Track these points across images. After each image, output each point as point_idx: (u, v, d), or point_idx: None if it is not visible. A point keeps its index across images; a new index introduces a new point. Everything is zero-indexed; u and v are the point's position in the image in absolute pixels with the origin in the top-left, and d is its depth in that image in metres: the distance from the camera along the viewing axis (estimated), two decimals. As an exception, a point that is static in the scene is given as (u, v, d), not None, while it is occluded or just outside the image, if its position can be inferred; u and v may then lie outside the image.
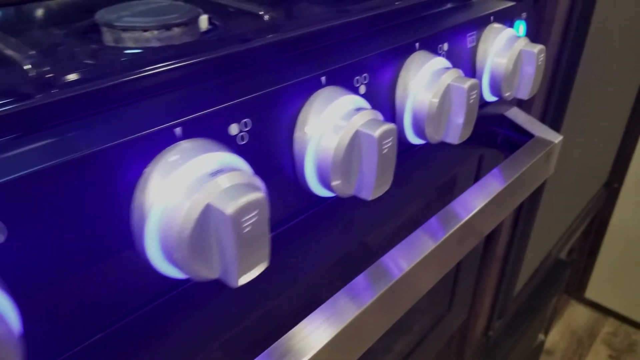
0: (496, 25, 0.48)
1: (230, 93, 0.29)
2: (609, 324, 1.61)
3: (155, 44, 0.40)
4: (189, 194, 0.24)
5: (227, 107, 0.27)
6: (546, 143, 0.52)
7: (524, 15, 0.53)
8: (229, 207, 0.23)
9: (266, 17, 0.34)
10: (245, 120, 0.29)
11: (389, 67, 0.38)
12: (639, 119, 1.29)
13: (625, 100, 1.21)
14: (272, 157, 0.31)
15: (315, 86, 0.33)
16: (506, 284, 0.90)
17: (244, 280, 0.26)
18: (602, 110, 1.04)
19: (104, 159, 0.23)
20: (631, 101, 1.25)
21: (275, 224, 0.35)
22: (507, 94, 0.48)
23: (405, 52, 0.39)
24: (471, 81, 0.38)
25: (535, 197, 0.82)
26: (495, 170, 0.52)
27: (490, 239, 0.79)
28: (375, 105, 0.37)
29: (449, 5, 0.49)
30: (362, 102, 0.34)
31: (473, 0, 0.52)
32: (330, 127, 0.31)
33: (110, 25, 0.39)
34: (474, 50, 0.47)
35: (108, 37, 0.39)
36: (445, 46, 0.43)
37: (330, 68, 0.33)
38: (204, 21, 0.43)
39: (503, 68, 0.47)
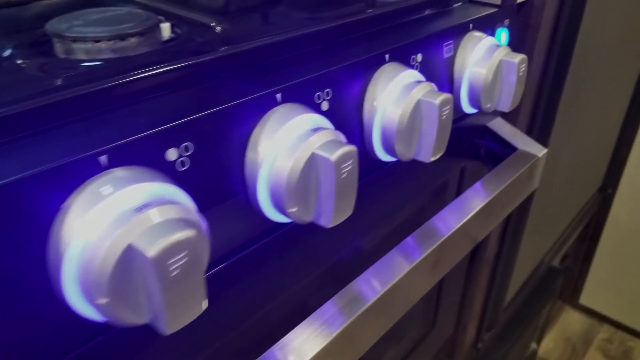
0: (475, 34, 0.46)
1: (168, 114, 0.26)
2: (604, 331, 1.58)
3: (109, 55, 0.37)
4: (109, 232, 0.21)
5: (162, 131, 0.25)
6: (530, 157, 0.50)
7: (506, 22, 0.51)
8: (151, 249, 0.21)
9: (218, 29, 0.31)
10: (185, 144, 0.26)
11: (356, 81, 0.36)
12: (633, 123, 1.27)
13: (619, 104, 1.19)
14: (221, 183, 0.29)
15: (270, 104, 0.30)
16: (495, 295, 0.87)
17: (174, 327, 0.23)
18: (594, 114, 1.01)
19: (15, 193, 0.21)
20: (625, 105, 1.22)
21: (229, 252, 0.33)
22: (487, 106, 0.46)
23: (373, 64, 0.37)
24: (443, 96, 0.36)
25: (525, 206, 0.80)
26: (476, 185, 0.50)
27: (477, 250, 0.76)
28: (340, 122, 0.35)
29: (425, 13, 0.47)
30: (322, 121, 0.31)
31: (453, 7, 0.50)
32: (285, 148, 0.29)
33: (60, 36, 0.36)
34: (451, 60, 0.45)
35: (59, 49, 0.37)
36: (419, 57, 0.41)
37: (286, 84, 0.31)
38: (165, 29, 0.40)
39: (482, 79, 0.44)
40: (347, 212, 0.31)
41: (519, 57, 0.44)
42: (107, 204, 0.22)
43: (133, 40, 0.38)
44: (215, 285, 0.31)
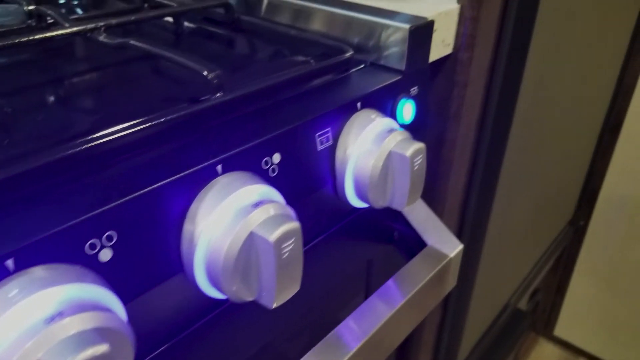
0: (365, 114, 0.37)
1: None
2: (580, 364, 1.51)
3: None
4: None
5: None
6: (441, 257, 0.41)
7: (413, 90, 0.42)
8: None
9: None
10: None
11: (170, 206, 0.27)
12: (605, 152, 1.19)
13: (589, 133, 1.11)
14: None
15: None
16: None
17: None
18: (561, 145, 0.93)
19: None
20: (596, 135, 1.14)
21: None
22: (378, 203, 0.37)
23: (200, 179, 0.28)
24: (283, 229, 0.27)
25: (470, 262, 0.71)
26: (384, 288, 0.42)
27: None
28: (127, 272, 0.26)
29: (309, 85, 0.38)
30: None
31: (350, 73, 0.41)
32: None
33: None
34: (331, 150, 0.36)
35: None
36: (276, 157, 0.32)
37: (28, 241, 0.22)
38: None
39: (367, 175, 0.35)
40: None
41: (412, 148, 0.35)
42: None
43: None
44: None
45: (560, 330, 1.53)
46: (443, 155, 0.54)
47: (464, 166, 0.58)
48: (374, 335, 0.39)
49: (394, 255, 0.48)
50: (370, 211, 0.45)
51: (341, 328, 0.39)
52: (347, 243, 0.45)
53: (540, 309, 1.47)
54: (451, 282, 0.43)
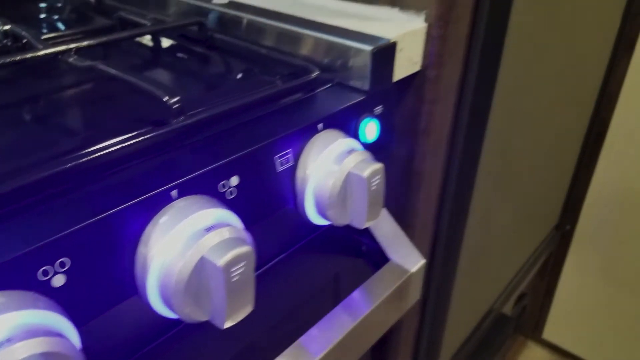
0: (327, 134, 0.38)
1: None
2: (568, 368, 1.52)
3: None
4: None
5: None
6: (401, 272, 0.42)
7: (377, 109, 0.43)
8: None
9: None
10: None
11: (123, 232, 0.28)
12: (590, 158, 1.20)
13: (573, 140, 1.12)
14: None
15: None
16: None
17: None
18: (542, 152, 0.94)
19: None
20: (580, 141, 1.16)
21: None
22: (338, 221, 0.38)
23: (154, 205, 0.29)
24: (232, 253, 0.28)
25: (447, 268, 0.72)
26: (347, 300, 0.43)
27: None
28: (79, 299, 0.27)
29: (275, 107, 0.39)
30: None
31: (316, 93, 0.42)
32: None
33: None
34: (292, 170, 0.37)
35: None
36: (234, 180, 0.33)
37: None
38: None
39: (327, 195, 0.36)
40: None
41: (370, 169, 0.36)
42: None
43: None
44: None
45: (549, 333, 1.54)
46: (414, 168, 0.55)
47: (437, 179, 0.59)
48: (336, 346, 0.40)
49: (363, 267, 0.49)
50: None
51: (304, 338, 0.40)
52: (315, 257, 0.46)
53: (528, 312, 1.48)
54: (414, 296, 0.44)
